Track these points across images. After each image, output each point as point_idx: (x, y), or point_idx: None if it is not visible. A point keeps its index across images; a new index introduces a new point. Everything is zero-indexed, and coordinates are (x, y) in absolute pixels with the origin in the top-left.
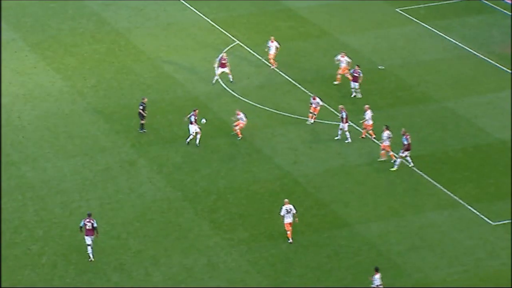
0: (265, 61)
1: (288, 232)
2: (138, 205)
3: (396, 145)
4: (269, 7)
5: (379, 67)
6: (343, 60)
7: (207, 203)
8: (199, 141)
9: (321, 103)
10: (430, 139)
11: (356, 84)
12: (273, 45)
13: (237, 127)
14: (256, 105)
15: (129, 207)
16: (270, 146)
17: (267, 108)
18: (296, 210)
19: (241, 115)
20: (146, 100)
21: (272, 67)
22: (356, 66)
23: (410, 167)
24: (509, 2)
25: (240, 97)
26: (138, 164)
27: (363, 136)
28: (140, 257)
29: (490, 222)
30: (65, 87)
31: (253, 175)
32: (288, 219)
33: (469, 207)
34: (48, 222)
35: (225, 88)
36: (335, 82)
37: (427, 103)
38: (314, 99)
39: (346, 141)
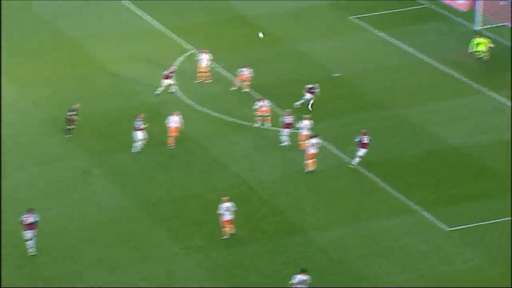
0: (221, 70)
1: (226, 229)
2: (93, 215)
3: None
4: (224, 15)
5: (334, 74)
6: (204, 59)
7: (164, 212)
8: (141, 148)
9: (267, 105)
10: (385, 145)
11: (310, 96)
12: (204, 58)
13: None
14: (212, 113)
15: (85, 217)
16: (226, 154)
17: (223, 116)
18: (235, 208)
19: (176, 118)
20: (78, 106)
21: (198, 80)
22: (316, 84)
23: (366, 175)
24: (460, 9)
25: (196, 105)
26: (93, 173)
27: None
28: (97, 266)
29: (445, 227)
30: (19, 97)
31: (209, 183)
32: (227, 217)
33: (424, 212)
34: (2, 233)
35: (180, 97)
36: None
37: (382, 110)
38: (261, 101)
39: (281, 145)
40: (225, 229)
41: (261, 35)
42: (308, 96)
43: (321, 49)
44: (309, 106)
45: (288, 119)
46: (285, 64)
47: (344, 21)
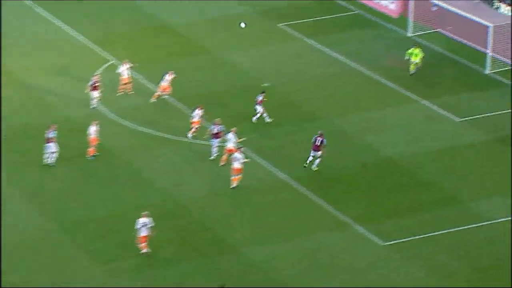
0: (144, 81)
1: (142, 245)
2: (9, 239)
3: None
4: (146, 24)
5: (264, 84)
6: (125, 70)
7: (85, 232)
8: (55, 160)
9: (200, 115)
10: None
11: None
12: (124, 68)
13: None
14: (135, 126)
15: (1, 242)
16: (151, 169)
17: (146, 129)
18: (153, 223)
19: (95, 127)
20: None
21: (120, 92)
22: (262, 93)
23: (298, 189)
24: (391, 15)
25: (118, 118)
26: (8, 193)
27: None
28: None
29: (381, 242)
30: None
31: (134, 200)
32: (143, 233)
33: (359, 227)
34: None
35: (101, 110)
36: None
37: (314, 121)
38: (199, 109)
39: (211, 158)
40: (142, 245)
41: (243, 25)
42: (259, 108)
43: (250, 58)
44: (255, 118)
45: (216, 128)
46: (212, 74)
47: (273, 29)
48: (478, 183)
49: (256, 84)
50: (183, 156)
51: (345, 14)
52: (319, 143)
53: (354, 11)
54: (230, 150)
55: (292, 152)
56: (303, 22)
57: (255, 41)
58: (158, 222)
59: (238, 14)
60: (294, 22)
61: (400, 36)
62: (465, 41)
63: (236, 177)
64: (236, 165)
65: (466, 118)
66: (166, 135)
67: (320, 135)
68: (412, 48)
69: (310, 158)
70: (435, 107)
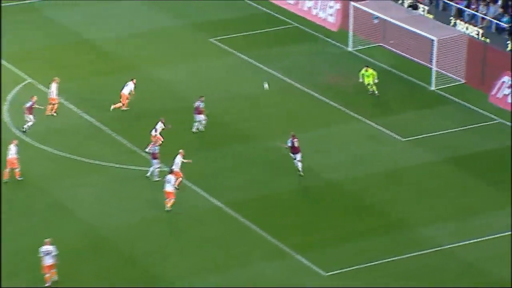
0: (64, 101)
1: (47, 275)
2: None
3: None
4: (67, 39)
5: (264, 84)
6: (54, 88)
7: None
8: None
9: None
10: (257, 181)
11: (201, 116)
12: (54, 87)
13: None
14: (55, 151)
15: None
16: (72, 198)
17: (68, 155)
18: (56, 251)
19: (14, 148)
20: None
21: (48, 113)
22: (200, 98)
23: (234, 216)
24: (331, 29)
25: (35, 142)
26: None
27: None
28: None
29: (322, 272)
30: None
31: (53, 233)
32: (48, 261)
33: (299, 256)
34: None
35: (16, 133)
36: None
37: (249, 142)
38: (161, 122)
39: (155, 180)
40: (46, 275)
41: (266, 86)
42: (198, 117)
43: (179, 75)
44: (194, 128)
45: (153, 149)
46: (140, 93)
47: (204, 44)
48: (425, 207)
49: (186, 102)
50: (110, 183)
51: (282, 27)
52: (297, 144)
53: (291, 24)
54: (178, 174)
55: (225, 176)
56: (236, 36)
57: (186, 57)
58: (79, 256)
59: (168, 29)
60: (227, 36)
61: (341, 51)
62: (409, 56)
63: (170, 200)
64: (169, 188)
65: (412, 138)
66: (90, 161)
67: (293, 136)
68: (364, 69)
69: (298, 164)
70: (378, 127)
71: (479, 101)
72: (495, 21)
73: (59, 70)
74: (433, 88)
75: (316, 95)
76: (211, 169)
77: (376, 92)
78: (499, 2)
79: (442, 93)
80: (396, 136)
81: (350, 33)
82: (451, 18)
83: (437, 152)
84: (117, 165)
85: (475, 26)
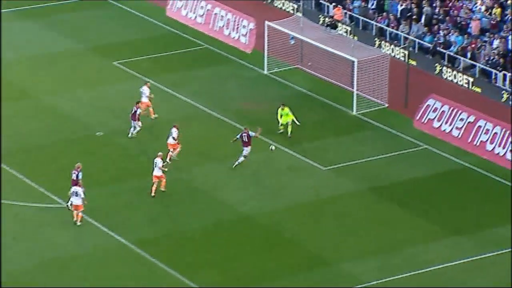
0: None
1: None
2: None
3: None
4: None
5: (97, 133)
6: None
7: None
8: None
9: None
10: (164, 216)
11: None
12: (146, 89)
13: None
14: None
15: None
16: None
17: None
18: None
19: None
20: None
21: None
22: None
23: (142, 256)
24: (244, 50)
25: None
26: None
27: None
28: None
29: None
30: None
31: None
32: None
33: None
34: None
35: None
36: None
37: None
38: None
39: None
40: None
41: (273, 148)
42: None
43: (80, 102)
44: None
45: (75, 175)
46: (35, 123)
47: (108, 68)
48: (349, 241)
49: (88, 133)
50: (3, 224)
51: (191, 49)
52: (246, 139)
53: (201, 45)
54: (157, 177)
55: (130, 212)
56: (142, 59)
57: (87, 82)
58: None
59: (68, 52)
60: (133, 59)
61: (255, 74)
62: (328, 79)
63: (79, 213)
64: (76, 201)
65: (333, 167)
66: None
67: (245, 129)
68: (280, 108)
69: (241, 159)
70: (297, 155)
71: (403, 126)
72: (418, 40)
73: None
74: (354, 112)
75: (229, 121)
76: (116, 204)
77: (289, 134)
78: (422, 21)
79: (364, 118)
80: (316, 165)
81: (265, 55)
82: (375, 38)
83: (360, 181)
84: (11, 202)
85: (398, 46)
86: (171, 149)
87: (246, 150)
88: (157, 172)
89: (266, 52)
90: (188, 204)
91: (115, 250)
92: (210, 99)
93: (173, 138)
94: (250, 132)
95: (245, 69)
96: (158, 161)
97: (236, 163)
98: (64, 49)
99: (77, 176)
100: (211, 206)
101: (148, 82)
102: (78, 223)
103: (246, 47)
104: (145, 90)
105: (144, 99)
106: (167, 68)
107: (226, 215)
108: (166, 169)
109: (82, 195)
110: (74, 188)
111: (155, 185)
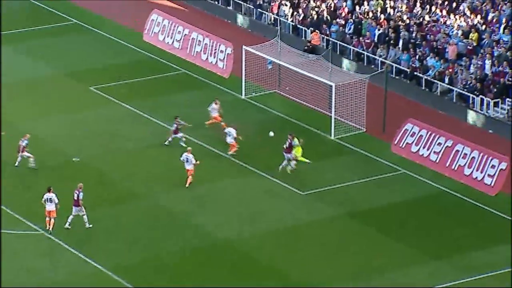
0: None
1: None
2: None
3: None
4: None
5: (74, 159)
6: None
7: None
8: None
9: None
10: (141, 243)
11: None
12: (216, 106)
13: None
14: None
15: None
16: None
17: None
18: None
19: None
20: None
21: None
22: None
23: (119, 282)
24: (222, 75)
25: None
26: None
27: None
28: None
29: None
30: None
31: None
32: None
33: None
34: None
35: None
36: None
37: (135, 200)
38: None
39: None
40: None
41: (271, 134)
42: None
43: (57, 128)
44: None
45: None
46: (11, 148)
47: (84, 93)
48: (328, 266)
49: (65, 159)
50: None
51: (169, 74)
52: (288, 146)
53: (179, 70)
54: (189, 171)
55: (107, 238)
56: (119, 84)
57: (64, 108)
58: None
59: (43, 76)
60: (110, 84)
61: (233, 99)
62: (306, 103)
63: (51, 220)
64: (49, 207)
65: (311, 191)
66: None
67: (290, 135)
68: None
69: (285, 163)
70: (275, 180)
71: (381, 151)
72: (396, 65)
73: None
74: (332, 137)
75: (208, 146)
76: (93, 230)
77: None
78: (400, 45)
79: (343, 142)
80: (295, 190)
81: (243, 80)
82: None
83: (339, 206)
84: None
85: (376, 70)
86: (230, 150)
87: (287, 156)
88: (189, 166)
89: (244, 77)
90: (165, 230)
91: (92, 277)
92: (188, 124)
93: (234, 138)
94: (293, 141)
95: (222, 93)
96: (190, 156)
97: (280, 167)
98: (41, 75)
99: (78, 196)
100: (188, 231)
101: (217, 99)
102: (50, 230)
103: (224, 72)
104: (215, 106)
105: (215, 114)
106: (145, 93)
107: (204, 241)
108: (198, 163)
109: (56, 201)
110: (47, 195)
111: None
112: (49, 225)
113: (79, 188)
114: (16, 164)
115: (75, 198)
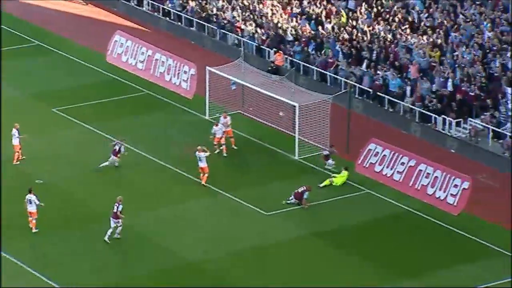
0: None
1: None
2: None
3: None
4: None
5: (37, 181)
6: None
7: None
8: None
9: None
10: (108, 267)
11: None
12: (227, 120)
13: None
14: None
15: None
16: None
17: None
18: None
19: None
20: None
21: None
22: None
23: None
24: (185, 95)
25: None
26: None
27: None
28: None
29: None
30: None
31: None
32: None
33: None
34: None
35: None
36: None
37: (100, 222)
38: (225, 117)
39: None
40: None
41: (281, 114)
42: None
43: (21, 150)
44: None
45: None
46: None
47: (46, 115)
48: (293, 286)
49: (29, 181)
50: None
51: (132, 95)
52: (327, 154)
53: (142, 91)
54: (202, 169)
55: (75, 261)
56: (82, 105)
57: (25, 129)
58: None
59: (5, 98)
60: (73, 105)
61: (197, 119)
62: (270, 124)
63: (33, 220)
64: (30, 208)
65: (276, 212)
66: None
67: (332, 146)
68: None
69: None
70: (240, 200)
71: None
72: (358, 85)
73: None
74: (296, 157)
75: (171, 167)
76: (61, 253)
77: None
78: (364, 65)
79: (306, 162)
80: (259, 210)
81: (207, 100)
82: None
83: (304, 226)
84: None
85: (339, 90)
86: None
87: (329, 163)
88: (202, 164)
89: (208, 97)
90: (133, 252)
91: None
92: (151, 144)
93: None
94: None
95: (186, 114)
96: (202, 155)
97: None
98: (4, 97)
99: (117, 209)
100: (157, 252)
101: (225, 112)
102: (34, 230)
103: (188, 93)
104: (222, 120)
105: (227, 128)
106: (108, 114)
107: (172, 262)
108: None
109: (37, 202)
110: (28, 196)
111: (205, 176)
112: (32, 225)
113: (118, 201)
114: None
115: (114, 210)
